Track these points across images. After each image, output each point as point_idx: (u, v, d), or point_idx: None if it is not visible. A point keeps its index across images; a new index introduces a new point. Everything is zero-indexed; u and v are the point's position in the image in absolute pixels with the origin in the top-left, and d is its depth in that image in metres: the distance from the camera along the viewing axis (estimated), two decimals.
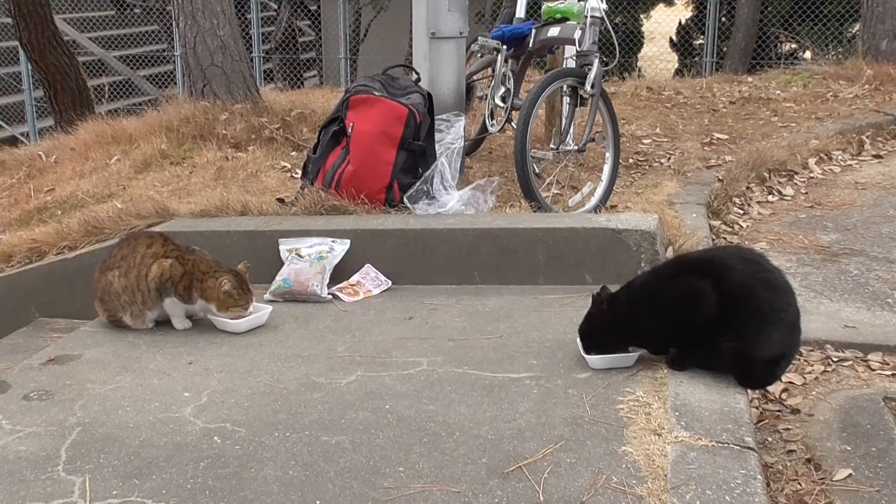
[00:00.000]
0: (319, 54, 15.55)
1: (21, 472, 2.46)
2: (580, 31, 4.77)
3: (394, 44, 13.76)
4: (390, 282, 3.92)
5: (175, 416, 2.74)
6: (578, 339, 3.02)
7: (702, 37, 12.81)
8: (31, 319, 4.23)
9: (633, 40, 14.41)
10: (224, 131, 5.99)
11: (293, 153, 5.89)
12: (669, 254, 3.85)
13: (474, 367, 3.01)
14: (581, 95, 4.77)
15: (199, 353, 3.28)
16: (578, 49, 4.78)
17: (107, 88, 11.30)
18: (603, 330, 2.94)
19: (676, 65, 14.93)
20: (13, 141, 10.83)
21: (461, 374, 2.96)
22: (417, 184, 4.35)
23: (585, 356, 2.97)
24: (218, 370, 3.09)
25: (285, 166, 5.63)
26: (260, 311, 3.52)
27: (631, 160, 5.89)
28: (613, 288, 2.94)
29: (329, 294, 3.80)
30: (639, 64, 14.83)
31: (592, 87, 4.68)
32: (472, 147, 5.77)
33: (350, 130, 4.43)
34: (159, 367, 3.15)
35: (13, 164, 6.59)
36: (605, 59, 4.88)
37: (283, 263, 3.91)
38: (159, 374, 3.09)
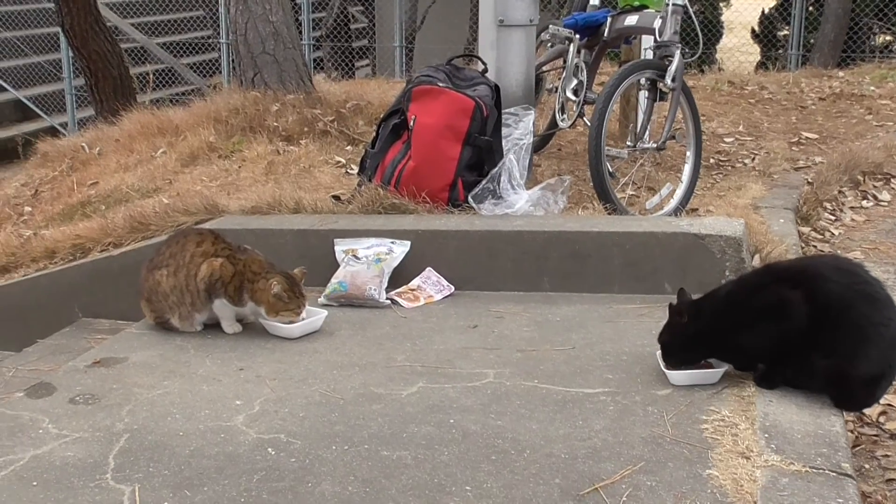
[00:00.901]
0: (373, 42, 15.61)
1: (69, 479, 2.49)
2: (660, 21, 4.74)
3: (452, 32, 13.77)
4: (453, 287, 3.92)
5: (226, 424, 2.76)
6: (658, 353, 3.01)
7: (787, 27, 12.66)
8: (73, 319, 4.29)
9: (711, 30, 14.29)
10: (275, 123, 6.03)
11: (348, 147, 5.91)
12: (756, 262, 3.81)
13: (545, 381, 3.00)
14: (660, 89, 4.76)
15: (250, 358, 3.30)
16: (658, 39, 4.76)
17: (151, 77, 11.44)
18: (684, 343, 2.92)
19: (758, 57, 14.77)
20: (52, 131, 11.01)
21: (531, 388, 2.95)
22: (483, 182, 4.34)
23: (666, 371, 2.96)
24: (270, 377, 3.10)
25: (340, 161, 5.65)
26: (314, 315, 3.53)
27: (712, 160, 5.84)
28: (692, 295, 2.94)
29: (387, 299, 3.81)
30: (717, 56, 14.69)
31: (673, 80, 4.65)
32: (540, 143, 5.76)
33: (412, 124, 4.44)
34: (209, 373, 3.18)
35: (55, 156, 6.71)
36: (686, 50, 4.84)
37: (338, 265, 3.93)
38: (209, 380, 3.11)
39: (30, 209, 6.08)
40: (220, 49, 12.75)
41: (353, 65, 14.46)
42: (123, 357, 3.36)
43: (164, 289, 3.53)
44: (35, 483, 2.49)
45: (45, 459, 2.61)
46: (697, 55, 5.17)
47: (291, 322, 3.45)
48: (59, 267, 4.51)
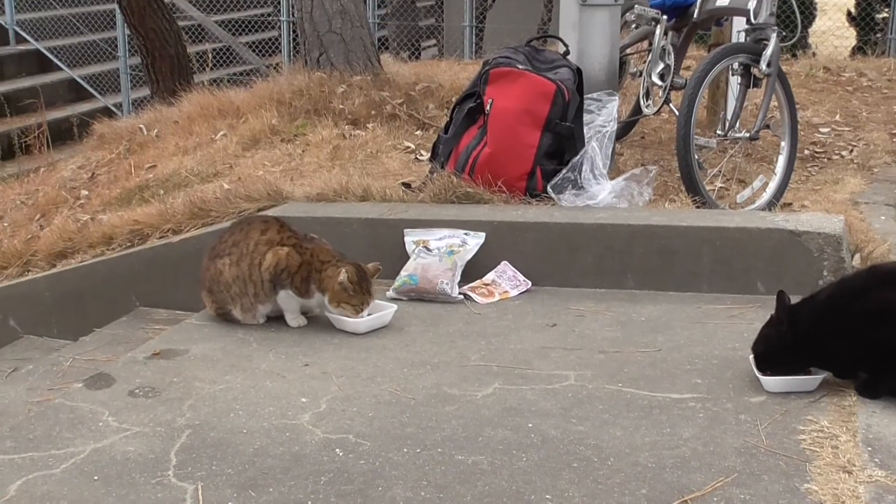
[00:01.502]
0: (440, 21, 15.58)
1: (130, 474, 2.54)
2: (755, 1, 4.66)
3: (526, 12, 13.71)
4: (530, 282, 3.92)
5: (292, 423, 2.79)
6: (751, 358, 2.98)
7: (886, 10, 12.40)
8: (130, 308, 4.36)
9: (804, 13, 14.06)
10: (341, 106, 6.06)
11: (418, 132, 5.91)
12: (856, 262, 3.76)
13: (629, 385, 2.99)
14: (754, 75, 4.69)
15: (315, 354, 3.32)
16: (753, 21, 4.68)
17: (210, 56, 11.54)
18: (781, 348, 2.89)
19: (854, 41, 14.50)
20: (107, 112, 11.16)
21: (614, 392, 2.94)
22: (564, 171, 4.31)
23: (760, 377, 2.92)
24: (337, 374, 3.13)
25: (409, 147, 5.65)
26: (383, 309, 3.56)
27: (806, 151, 5.75)
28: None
29: (460, 294, 3.82)
30: (810, 40, 14.45)
31: (769, 65, 4.58)
32: (623, 130, 5.68)
33: (488, 108, 4.43)
34: (272, 368, 3.20)
35: (113, 138, 6.77)
36: (783, 33, 4.78)
37: (407, 257, 3.94)
38: (273, 375, 3.14)
39: (87, 193, 6.14)
40: (279, 27, 12.80)
41: (419, 44, 14.44)
42: (183, 349, 3.40)
43: (227, 278, 3.55)
44: (96, 478, 2.53)
45: (105, 453, 2.65)
46: (795, 39, 5.12)
47: (352, 317, 3.47)
48: (117, 253, 4.57)
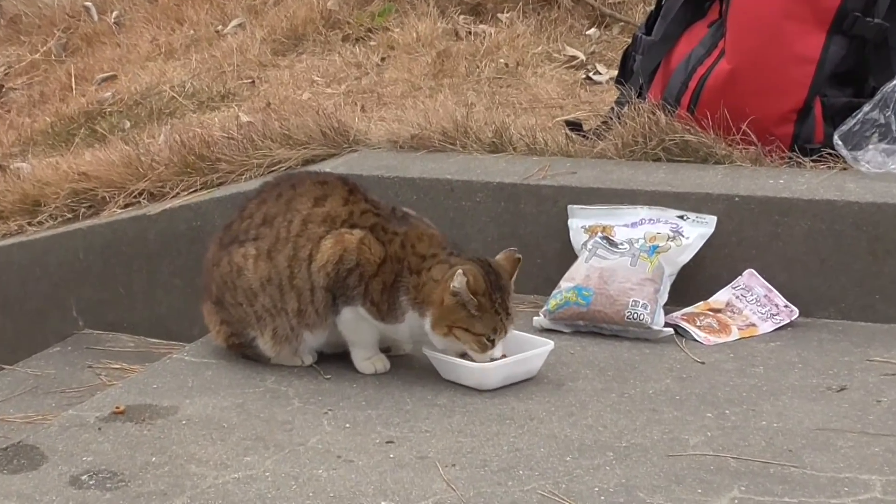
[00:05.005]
0: None
1: None
2: None
3: None
4: (796, 310, 3.64)
5: None
6: None
7: None
8: (69, 331, 4.23)
9: None
10: None
11: (591, 31, 5.63)
12: None
13: None
14: None
15: (405, 422, 3.10)
16: None
17: None
18: None
19: None
20: None
21: None
22: (866, 109, 3.96)
23: None
24: (446, 461, 2.88)
25: (575, 57, 5.37)
26: (527, 347, 3.32)
27: None
28: None
29: (668, 325, 3.59)
30: None
31: None
32: None
33: None
34: (329, 446, 2.97)
35: (37, 24, 6.73)
36: None
37: (572, 254, 3.75)
38: (330, 458, 2.91)
39: None
40: None
41: None
42: (169, 406, 3.20)
43: (250, 282, 3.35)
44: None
45: None
46: None
47: (482, 355, 3.20)
48: (48, 231, 4.38)
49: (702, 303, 3.66)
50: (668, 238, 3.66)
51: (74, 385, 3.65)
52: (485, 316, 3.16)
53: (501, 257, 3.28)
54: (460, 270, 3.13)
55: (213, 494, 2.74)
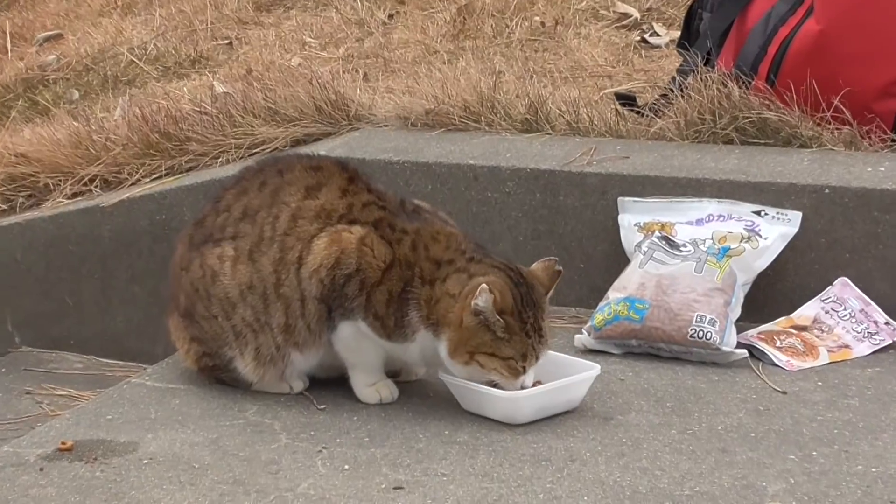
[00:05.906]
0: None
1: None
2: None
3: None
4: None
5: None
6: None
7: None
8: (2, 349, 4.19)
9: None
10: None
11: None
12: None
13: None
14: None
15: (417, 463, 2.94)
16: None
17: None
18: None
19: None
20: None
21: None
22: None
23: None
24: None
25: (628, 14, 5.35)
26: (567, 372, 3.16)
27: None
28: None
29: (742, 346, 3.40)
30: None
31: None
32: None
33: None
34: (324, 491, 2.82)
35: None
36: None
37: (623, 257, 3.65)
38: None
39: None
40: None
41: None
42: (126, 441, 3.08)
43: (227, 290, 3.22)
44: None
45: None
46: None
47: (510, 383, 3.05)
48: None
49: (783, 318, 3.52)
50: (742, 239, 3.56)
51: (10, 416, 3.60)
52: (513, 339, 3.02)
53: (538, 267, 3.14)
54: (484, 285, 2.96)
55: None
